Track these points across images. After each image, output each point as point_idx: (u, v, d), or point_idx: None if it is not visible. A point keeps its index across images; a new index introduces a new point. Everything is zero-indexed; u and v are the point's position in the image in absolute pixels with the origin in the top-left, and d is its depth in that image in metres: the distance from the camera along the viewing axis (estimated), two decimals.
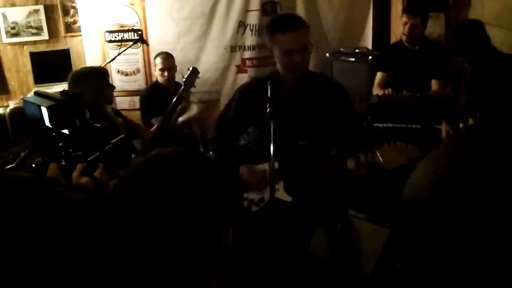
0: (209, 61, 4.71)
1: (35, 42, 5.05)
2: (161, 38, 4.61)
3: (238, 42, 4.73)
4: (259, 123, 2.39)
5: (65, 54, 4.97)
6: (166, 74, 3.97)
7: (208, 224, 0.93)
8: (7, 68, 5.08)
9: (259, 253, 2.18)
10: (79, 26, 4.77)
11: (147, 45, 4.55)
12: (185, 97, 3.44)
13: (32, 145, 1.90)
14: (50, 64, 4.91)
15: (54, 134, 1.74)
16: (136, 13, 4.61)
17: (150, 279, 0.90)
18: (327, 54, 4.63)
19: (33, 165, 1.73)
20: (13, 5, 4.95)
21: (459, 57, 3.05)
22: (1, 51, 5.05)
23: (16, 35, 4.99)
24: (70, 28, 5.05)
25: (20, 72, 5.09)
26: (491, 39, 3.00)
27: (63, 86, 3.30)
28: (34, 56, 4.98)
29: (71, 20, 5.03)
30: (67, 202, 0.82)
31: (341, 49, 4.64)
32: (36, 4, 4.98)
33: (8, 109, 4.15)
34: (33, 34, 5.01)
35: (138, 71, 4.74)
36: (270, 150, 1.99)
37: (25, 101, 1.83)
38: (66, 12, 5.02)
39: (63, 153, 1.74)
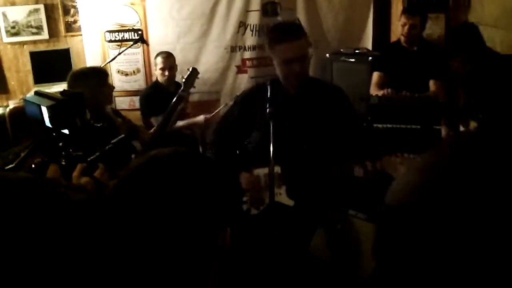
0: (209, 61, 4.71)
1: (35, 42, 5.04)
2: (161, 38, 4.61)
3: (238, 42, 4.73)
4: (261, 128, 2.40)
5: (65, 54, 4.97)
6: (167, 73, 3.97)
7: (205, 224, 0.93)
8: (7, 67, 5.08)
9: (258, 253, 2.19)
10: (79, 26, 4.77)
11: (147, 45, 4.55)
12: (184, 98, 3.43)
13: (32, 145, 1.90)
14: (50, 63, 4.90)
15: (54, 134, 1.74)
16: (137, 13, 4.61)
17: (149, 279, 0.90)
18: (327, 55, 4.63)
19: (33, 165, 1.73)
20: (13, 4, 4.95)
21: (455, 59, 3.06)
22: (1, 50, 5.05)
23: (16, 34, 4.99)
24: (70, 27, 5.05)
25: (20, 72, 5.09)
26: (491, 40, 3.00)
27: (63, 86, 3.29)
28: (34, 56, 4.97)
29: (72, 19, 5.03)
30: (66, 203, 0.82)
31: (341, 50, 4.64)
32: (37, 3, 4.98)
33: (8, 109, 4.16)
34: (33, 34, 5.01)
35: (138, 71, 4.74)
36: (277, 154, 2.00)
37: (25, 101, 1.83)
38: (66, 11, 5.02)
39: (63, 153, 1.74)
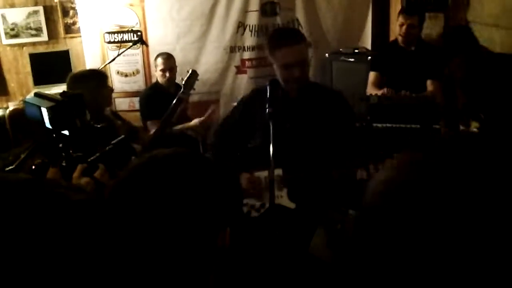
0: (208, 62, 4.71)
1: (34, 43, 5.05)
2: (160, 39, 4.61)
3: (237, 42, 4.73)
4: (262, 130, 2.41)
5: (65, 55, 4.98)
6: (167, 74, 3.97)
7: (205, 224, 0.93)
8: (7, 69, 5.08)
9: (258, 254, 2.19)
10: (79, 27, 4.77)
11: (147, 46, 4.55)
12: (184, 99, 3.44)
13: (31, 146, 1.90)
14: (49, 65, 4.90)
15: (54, 135, 1.74)
16: (136, 14, 4.61)
17: (149, 279, 0.90)
18: (327, 54, 4.63)
19: (33, 167, 1.74)
20: (12, 6, 4.95)
21: (451, 61, 3.07)
22: (0, 52, 5.05)
23: (15, 36, 4.99)
24: (69, 29, 5.05)
25: (20, 74, 5.09)
26: (491, 39, 3.01)
27: (62, 88, 3.30)
28: (33, 58, 4.97)
29: (71, 21, 5.03)
30: (66, 203, 0.82)
31: (341, 49, 4.65)
32: (36, 5, 4.98)
33: (7, 111, 4.16)
34: (32, 35, 5.01)
35: (138, 72, 4.75)
36: (278, 157, 2.00)
37: (25, 102, 1.83)
38: (65, 13, 5.03)
39: (63, 154, 1.74)
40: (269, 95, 2.18)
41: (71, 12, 5.00)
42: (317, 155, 2.34)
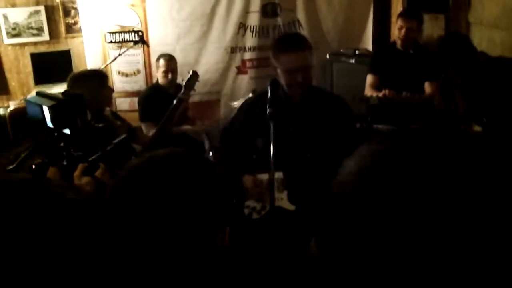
0: (209, 62, 4.72)
1: (35, 43, 5.05)
2: (161, 39, 4.61)
3: (238, 43, 4.74)
4: (265, 134, 2.42)
5: (66, 55, 4.98)
6: (169, 76, 3.97)
7: (203, 224, 0.93)
8: (8, 69, 5.08)
9: (259, 254, 2.19)
10: (80, 27, 4.77)
11: (148, 46, 4.55)
12: (184, 101, 3.44)
13: (32, 146, 1.90)
14: (50, 65, 4.91)
15: (55, 134, 1.74)
16: (137, 14, 4.62)
17: (148, 278, 0.90)
18: (327, 55, 4.63)
19: (33, 166, 1.74)
20: (13, 6, 4.95)
21: (449, 67, 3.07)
22: (1, 52, 5.05)
23: (17, 36, 5.00)
24: (71, 29, 5.05)
25: (21, 73, 5.10)
26: (491, 40, 3.01)
27: (63, 87, 3.30)
28: (34, 57, 4.98)
29: (72, 21, 5.04)
30: (63, 203, 0.82)
31: (341, 50, 4.65)
32: (37, 5, 4.98)
33: (8, 110, 4.17)
34: (34, 35, 5.02)
35: (139, 72, 4.75)
36: (280, 160, 2.01)
37: (27, 102, 1.83)
38: (67, 13, 5.03)
39: (64, 153, 1.74)
40: (269, 96, 2.18)
41: (72, 12, 5.00)
42: (319, 159, 2.35)
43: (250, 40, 4.73)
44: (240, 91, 4.71)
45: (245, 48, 4.76)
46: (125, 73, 4.75)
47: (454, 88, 3.12)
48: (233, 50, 4.75)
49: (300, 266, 2.18)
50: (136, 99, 4.52)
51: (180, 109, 3.44)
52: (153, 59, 4.43)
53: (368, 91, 3.77)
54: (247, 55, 4.78)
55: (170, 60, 4.00)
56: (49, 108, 1.67)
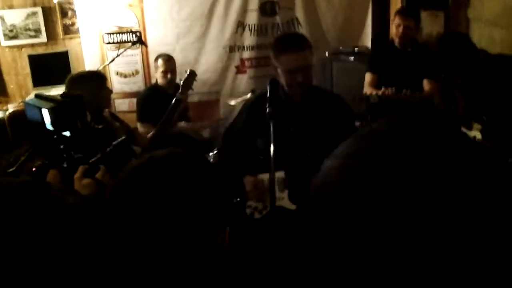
0: (208, 62, 4.71)
1: (33, 45, 5.03)
2: (160, 39, 4.61)
3: (237, 42, 4.73)
4: (266, 134, 2.42)
5: (64, 57, 4.96)
6: (169, 76, 3.95)
7: (204, 224, 0.93)
8: (6, 71, 5.07)
9: (260, 254, 2.19)
10: (78, 28, 4.76)
11: (146, 46, 4.54)
12: (182, 100, 3.43)
13: (31, 148, 1.89)
14: (48, 66, 4.89)
15: (55, 136, 1.73)
16: (135, 15, 4.61)
17: (148, 278, 0.90)
18: (327, 54, 4.63)
19: (33, 169, 1.73)
20: (11, 7, 4.94)
21: (449, 67, 3.07)
22: None
23: (14, 37, 4.98)
24: (68, 30, 5.04)
25: (19, 75, 5.08)
26: (491, 38, 3.01)
27: (62, 89, 3.29)
28: (32, 59, 4.96)
29: (70, 22, 5.02)
30: (61, 206, 0.82)
31: (341, 49, 4.65)
32: (34, 6, 4.97)
33: (7, 113, 4.16)
34: (31, 37, 5.00)
35: (137, 72, 4.74)
36: (280, 160, 2.00)
37: (26, 104, 1.82)
38: (64, 14, 5.01)
39: (64, 155, 1.74)
40: (269, 95, 2.18)
41: (69, 13, 4.99)
42: (319, 159, 2.34)
43: (248, 39, 4.73)
44: (240, 91, 4.70)
45: (244, 47, 4.75)
46: (123, 74, 4.74)
47: (454, 88, 3.12)
48: (231, 49, 4.74)
49: (300, 264, 2.17)
50: (135, 100, 4.52)
51: (179, 109, 3.44)
52: (151, 59, 4.42)
53: (367, 90, 3.76)
54: (246, 54, 4.77)
55: (168, 60, 3.99)
56: (49, 110, 1.66)
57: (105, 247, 0.86)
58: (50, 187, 0.91)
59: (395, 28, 3.68)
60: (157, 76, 4.05)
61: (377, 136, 0.63)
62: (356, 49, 4.57)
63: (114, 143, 1.89)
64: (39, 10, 4.96)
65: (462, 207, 0.53)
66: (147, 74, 4.72)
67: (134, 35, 4.56)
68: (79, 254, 0.80)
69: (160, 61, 3.99)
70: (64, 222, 0.80)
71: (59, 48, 5.05)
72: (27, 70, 4.98)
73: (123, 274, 0.90)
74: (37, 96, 1.85)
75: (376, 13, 4.80)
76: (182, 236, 0.91)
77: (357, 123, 3.10)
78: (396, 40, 3.69)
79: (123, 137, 1.97)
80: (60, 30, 5.03)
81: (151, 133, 3.58)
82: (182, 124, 3.79)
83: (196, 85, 3.50)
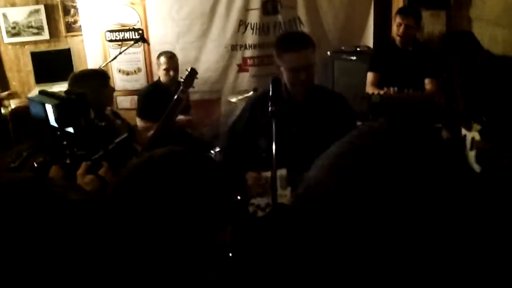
0: (209, 60, 4.71)
1: (36, 42, 5.04)
2: (161, 37, 4.61)
3: (238, 41, 4.73)
4: (269, 132, 2.42)
5: (66, 54, 4.97)
6: (171, 73, 3.96)
7: (205, 222, 0.93)
8: (9, 68, 5.08)
9: (261, 253, 2.19)
10: (80, 26, 4.77)
11: (148, 44, 4.55)
12: (184, 98, 3.43)
13: (34, 144, 1.90)
14: (51, 63, 4.90)
15: (58, 133, 1.74)
16: (137, 12, 4.61)
17: (149, 277, 0.90)
18: (328, 53, 4.63)
19: (35, 165, 1.74)
20: (13, 5, 4.95)
21: (451, 66, 3.07)
22: (2, 51, 5.05)
23: (17, 35, 4.99)
24: (71, 27, 5.05)
25: (21, 72, 5.09)
26: (492, 37, 3.00)
27: (64, 86, 3.30)
28: (35, 56, 4.97)
29: (72, 19, 5.03)
30: (64, 202, 0.82)
31: (342, 48, 4.64)
32: (37, 4, 4.98)
33: (9, 109, 4.17)
34: (34, 34, 5.01)
35: (139, 70, 4.74)
36: (283, 159, 2.01)
37: (29, 100, 1.83)
38: (66, 11, 5.02)
39: (67, 152, 1.75)
40: (271, 94, 2.18)
41: (72, 10, 5.00)
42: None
43: (250, 38, 4.72)
44: (241, 89, 4.70)
45: (245, 45, 4.75)
46: (125, 72, 4.74)
47: (455, 86, 3.12)
48: (233, 48, 4.74)
49: (301, 263, 2.18)
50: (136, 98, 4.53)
51: (180, 107, 3.44)
52: (153, 57, 4.43)
53: (369, 89, 3.76)
54: (248, 53, 4.77)
55: (171, 58, 4.00)
56: (53, 107, 1.67)
57: (107, 244, 0.86)
58: (52, 183, 0.91)
59: (396, 27, 3.68)
60: (160, 74, 4.05)
61: (366, 137, 0.64)
62: (357, 48, 4.57)
63: (116, 140, 1.90)
64: (41, 7, 4.98)
65: (445, 202, 0.54)
66: (149, 72, 4.72)
67: (136, 33, 4.56)
68: (81, 250, 0.80)
69: (162, 59, 3.99)
70: (66, 218, 0.80)
71: (61, 46, 5.06)
72: (30, 67, 4.99)
73: (125, 271, 0.90)
74: (41, 92, 1.85)
75: (378, 12, 4.80)
76: (183, 234, 0.91)
77: (359, 123, 3.11)
78: (398, 39, 3.69)
79: (125, 135, 1.97)
80: (62, 27, 5.04)
81: (151, 131, 3.59)
82: (181, 117, 3.79)
83: (197, 84, 3.50)
